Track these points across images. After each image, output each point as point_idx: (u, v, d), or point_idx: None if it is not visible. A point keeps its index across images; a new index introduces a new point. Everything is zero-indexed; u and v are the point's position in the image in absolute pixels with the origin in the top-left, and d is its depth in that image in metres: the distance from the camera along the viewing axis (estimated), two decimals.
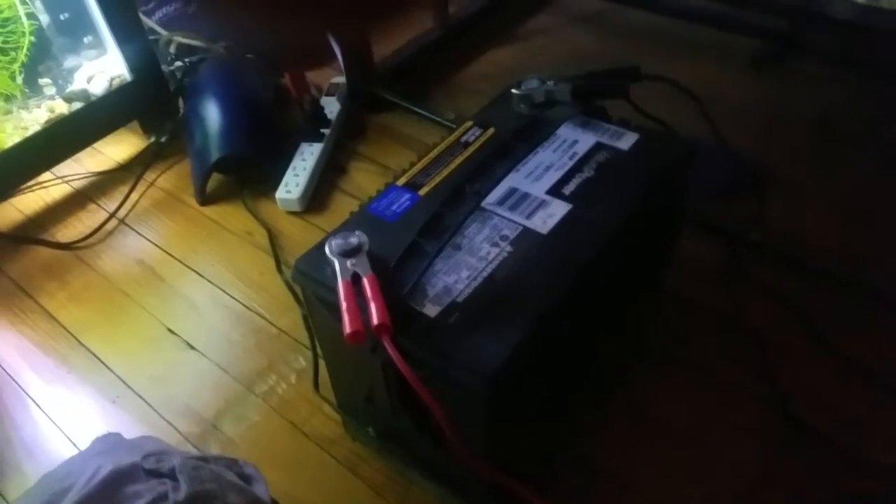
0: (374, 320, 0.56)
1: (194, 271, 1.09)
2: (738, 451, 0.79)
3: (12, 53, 1.16)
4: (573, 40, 1.49)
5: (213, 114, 1.22)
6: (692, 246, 0.96)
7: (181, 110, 1.34)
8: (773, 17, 1.29)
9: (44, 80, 1.27)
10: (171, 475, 0.56)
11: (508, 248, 0.63)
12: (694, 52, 1.39)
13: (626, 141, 0.72)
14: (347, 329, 0.55)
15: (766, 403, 0.83)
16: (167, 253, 1.13)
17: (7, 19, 1.14)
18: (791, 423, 0.80)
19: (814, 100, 1.25)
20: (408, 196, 0.70)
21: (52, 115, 1.21)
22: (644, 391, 0.85)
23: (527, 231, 0.64)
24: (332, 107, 1.30)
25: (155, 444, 0.64)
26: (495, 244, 0.63)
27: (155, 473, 0.56)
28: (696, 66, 1.33)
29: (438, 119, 1.28)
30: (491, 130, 0.76)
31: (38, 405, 0.94)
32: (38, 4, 1.22)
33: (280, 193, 1.15)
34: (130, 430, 0.87)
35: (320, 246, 0.64)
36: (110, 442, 0.63)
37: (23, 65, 1.19)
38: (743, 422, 0.82)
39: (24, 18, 1.16)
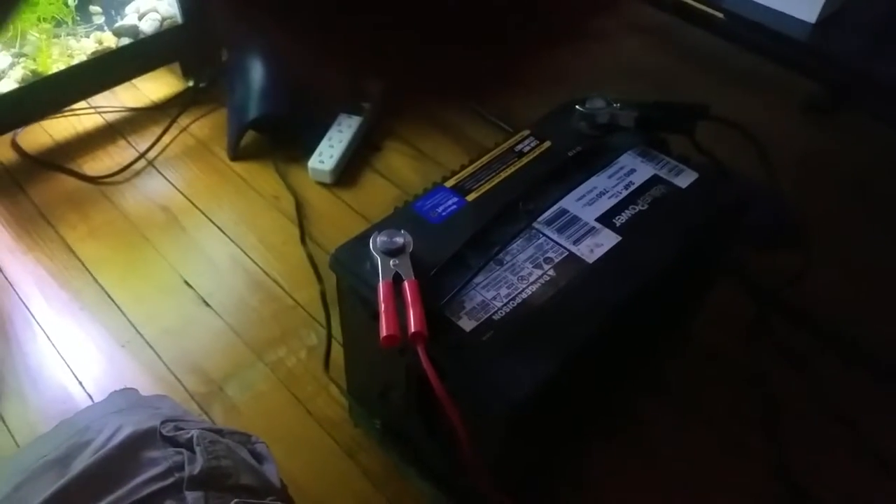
0: (412, 327, 0.55)
1: (217, 226, 1.09)
2: None
3: None
4: (628, 51, 1.47)
5: (256, 70, 1.20)
6: (725, 294, 0.95)
7: (224, 59, 1.32)
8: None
9: (95, 9, 1.25)
10: (188, 445, 0.55)
11: (551, 273, 0.62)
12: (747, 82, 1.36)
13: (685, 179, 0.71)
14: (384, 332, 0.55)
15: (768, 466, 0.82)
16: (192, 203, 1.12)
17: None
18: (789, 490, 0.80)
19: (857, 156, 1.23)
20: (455, 200, 0.69)
21: (100, 48, 1.20)
22: (653, 432, 0.85)
23: (572, 257, 0.63)
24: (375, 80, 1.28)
25: (172, 407, 0.63)
26: (538, 265, 0.63)
27: (172, 441, 0.55)
28: (748, 97, 1.32)
29: (481, 111, 1.26)
30: (547, 144, 0.75)
31: (46, 335, 0.94)
32: None
33: (313, 163, 1.14)
34: (137, 380, 0.88)
35: (363, 238, 0.63)
36: (129, 399, 0.62)
37: None
38: (743, 480, 0.82)
39: None
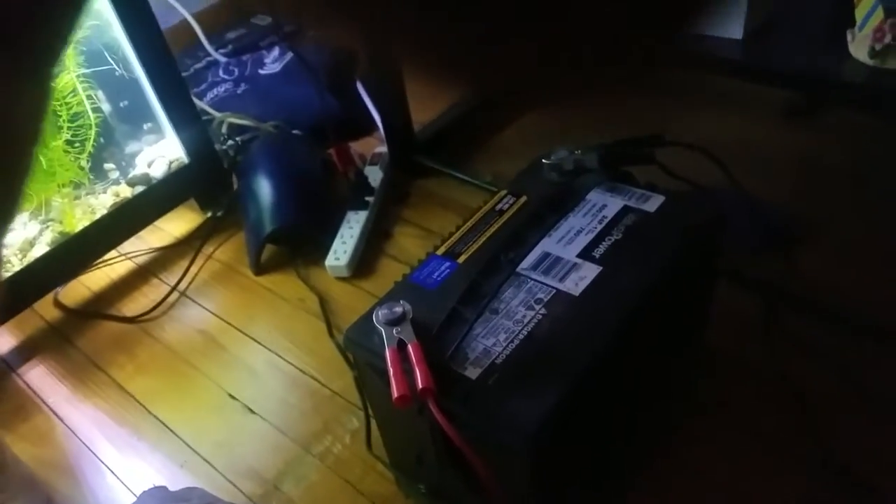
0: (419, 384, 0.60)
1: (252, 339, 1.16)
2: None
3: (79, 146, 1.26)
4: (603, 101, 1.53)
5: (265, 189, 1.30)
6: (734, 302, 0.97)
7: (235, 186, 1.43)
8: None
9: (108, 165, 1.37)
10: None
11: (543, 311, 0.67)
12: (723, 104, 1.42)
13: (653, 203, 0.76)
14: (395, 394, 0.60)
15: (810, 459, 0.83)
16: (226, 322, 1.20)
17: (76, 114, 1.24)
18: (834, 477, 0.81)
19: (847, 150, 1.26)
20: (447, 265, 0.74)
21: (118, 199, 1.31)
22: (690, 446, 0.87)
23: (560, 293, 0.68)
24: (375, 175, 1.37)
25: (201, 496, 0.68)
26: (530, 307, 0.68)
27: None
28: (726, 119, 1.37)
29: (476, 182, 1.34)
30: (523, 198, 0.81)
31: (112, 472, 1.00)
32: (101, 95, 1.33)
33: (329, 261, 1.22)
34: None
35: (368, 315, 0.69)
36: (159, 497, 0.67)
37: (90, 154, 1.29)
38: (787, 477, 0.82)
39: (90, 112, 1.26)
